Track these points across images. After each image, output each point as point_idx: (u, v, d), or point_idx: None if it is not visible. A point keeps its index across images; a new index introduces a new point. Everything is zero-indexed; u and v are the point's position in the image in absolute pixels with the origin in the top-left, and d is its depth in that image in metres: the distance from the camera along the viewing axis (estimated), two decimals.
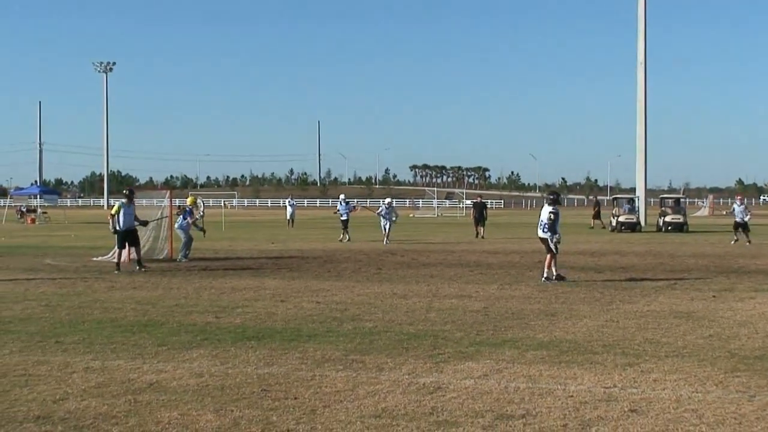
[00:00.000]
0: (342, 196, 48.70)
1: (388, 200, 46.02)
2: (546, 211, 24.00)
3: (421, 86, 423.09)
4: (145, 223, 29.60)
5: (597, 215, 64.40)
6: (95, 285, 22.70)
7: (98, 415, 9.56)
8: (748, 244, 40.00)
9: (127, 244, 27.51)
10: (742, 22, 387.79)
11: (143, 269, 26.71)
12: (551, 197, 24.66)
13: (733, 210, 42.96)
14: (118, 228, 27.34)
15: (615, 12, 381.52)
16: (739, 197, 45.37)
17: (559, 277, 23.66)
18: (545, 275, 23.65)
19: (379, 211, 44.64)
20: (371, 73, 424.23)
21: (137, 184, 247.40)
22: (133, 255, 27.86)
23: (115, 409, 9.77)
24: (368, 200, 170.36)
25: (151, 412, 9.65)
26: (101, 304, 18.91)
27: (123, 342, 14.05)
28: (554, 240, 23.68)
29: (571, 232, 49.34)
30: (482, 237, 48.03)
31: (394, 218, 44.06)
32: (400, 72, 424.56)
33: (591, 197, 70.66)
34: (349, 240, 44.21)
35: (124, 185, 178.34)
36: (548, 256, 23.78)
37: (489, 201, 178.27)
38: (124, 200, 27.97)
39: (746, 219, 42.02)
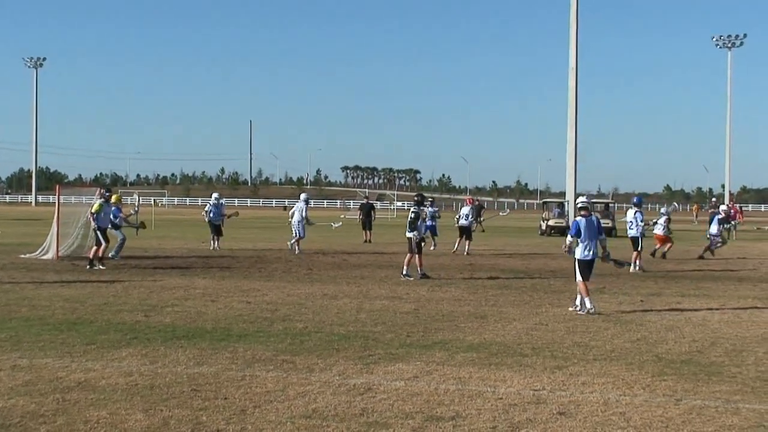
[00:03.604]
0: (215, 195, 39.08)
1: (303, 196, 37.43)
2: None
3: (353, 88, 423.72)
4: (116, 227, 29.50)
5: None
6: (23, 282, 22.41)
7: (26, 413, 9.46)
8: (465, 254, 35.79)
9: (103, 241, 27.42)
10: (672, 30, 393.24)
11: (102, 267, 26.62)
12: (416, 198, 26.89)
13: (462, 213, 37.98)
14: (100, 225, 27.51)
15: (547, 17, 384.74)
16: (468, 199, 42.15)
17: (424, 276, 25.20)
18: (404, 272, 25.19)
19: (292, 211, 36.49)
20: (303, 74, 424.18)
21: (66, 180, 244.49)
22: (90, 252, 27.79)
23: (43, 408, 9.67)
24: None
25: (80, 411, 9.57)
26: (29, 301, 18.69)
27: (51, 340, 13.90)
28: (416, 238, 25.40)
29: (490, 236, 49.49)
30: (369, 241, 44.20)
31: (306, 218, 35.67)
32: (331, 73, 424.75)
33: (476, 200, 70.48)
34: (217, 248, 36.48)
35: (53, 182, 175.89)
36: (408, 254, 25.40)
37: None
38: (102, 200, 28.23)
39: (468, 223, 37.52)
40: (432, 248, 37.09)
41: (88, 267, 26.47)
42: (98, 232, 27.36)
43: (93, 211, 27.79)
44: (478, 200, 73.47)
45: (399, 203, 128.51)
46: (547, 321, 16.98)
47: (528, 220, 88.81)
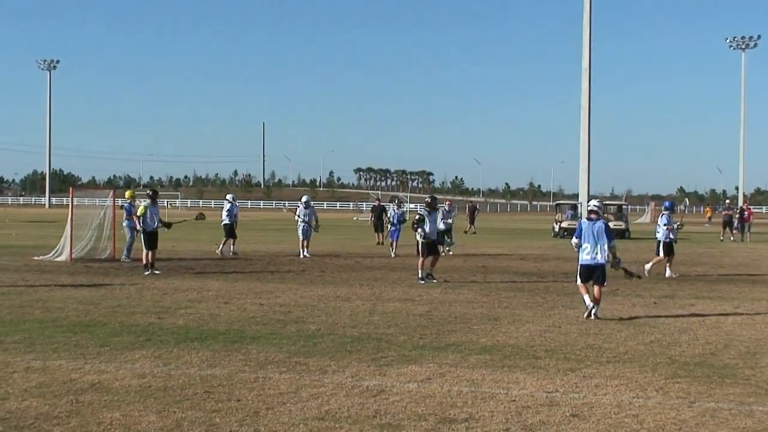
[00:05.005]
0: (229, 196, 37.24)
1: (304, 198, 37.04)
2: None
3: (365, 89, 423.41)
4: (168, 225, 28.56)
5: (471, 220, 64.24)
6: (36, 284, 22.46)
7: (39, 415, 9.48)
8: (450, 252, 37.16)
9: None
10: (685, 31, 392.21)
11: (157, 272, 26.23)
12: (427, 200, 26.62)
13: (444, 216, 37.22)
14: (145, 229, 27.03)
15: (561, 18, 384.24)
16: (448, 202, 41.85)
17: (429, 276, 25.23)
18: (420, 275, 25.16)
19: (297, 212, 36.08)
20: (315, 76, 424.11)
21: (79, 183, 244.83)
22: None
23: (57, 410, 9.69)
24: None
25: (93, 413, 9.59)
26: (43, 303, 18.73)
27: (65, 342, 13.93)
28: (421, 238, 25.40)
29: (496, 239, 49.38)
30: (381, 243, 43.18)
31: (314, 224, 35.50)
32: (344, 74, 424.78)
33: (469, 201, 69.81)
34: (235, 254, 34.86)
35: (66, 184, 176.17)
36: (420, 258, 25.40)
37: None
38: (148, 201, 27.75)
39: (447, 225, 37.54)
40: (392, 255, 35.93)
41: (147, 273, 26.15)
42: (143, 235, 27.08)
43: (139, 214, 27.38)
44: (471, 202, 73.09)
45: (411, 205, 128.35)
46: (560, 323, 16.96)
47: (541, 222, 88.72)
